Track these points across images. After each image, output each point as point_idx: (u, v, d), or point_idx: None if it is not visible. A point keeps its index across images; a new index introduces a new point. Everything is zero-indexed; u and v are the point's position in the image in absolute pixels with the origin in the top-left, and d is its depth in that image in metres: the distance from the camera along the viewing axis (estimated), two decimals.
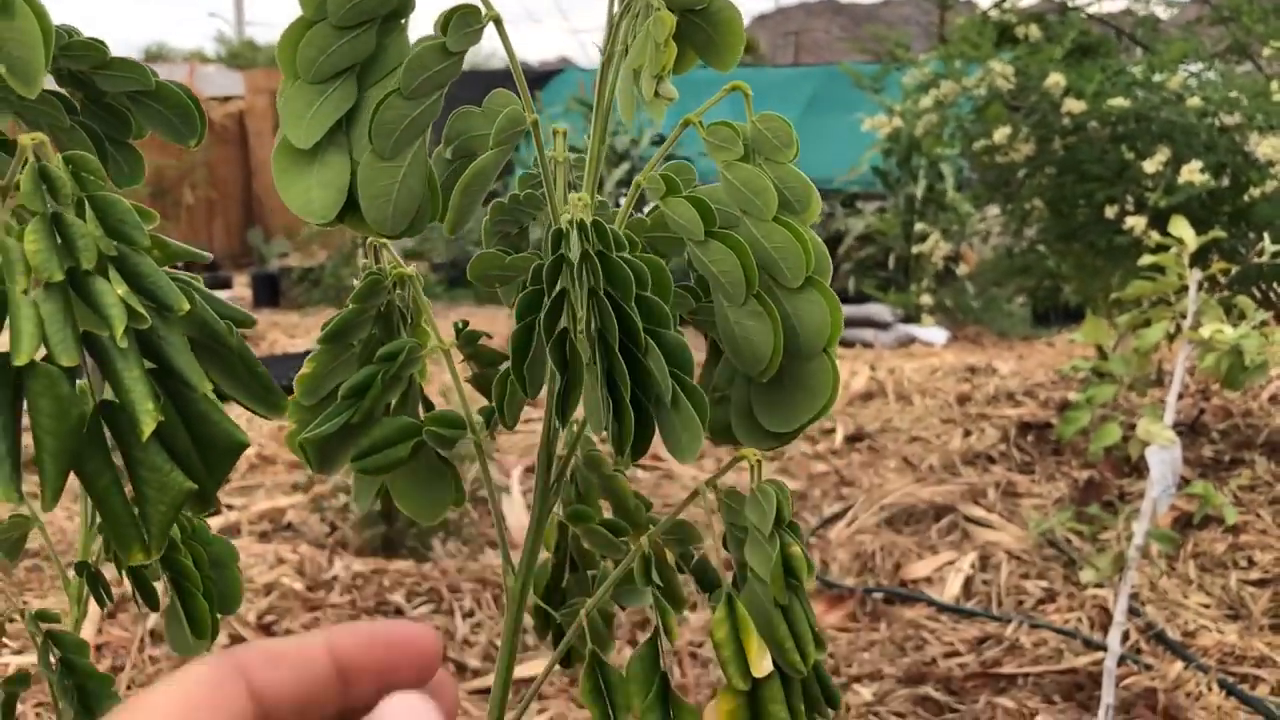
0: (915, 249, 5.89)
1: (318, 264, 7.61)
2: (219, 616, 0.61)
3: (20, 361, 0.37)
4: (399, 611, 2.82)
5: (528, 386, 0.50)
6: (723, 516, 0.47)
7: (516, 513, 3.42)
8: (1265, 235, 2.09)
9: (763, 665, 0.43)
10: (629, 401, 0.45)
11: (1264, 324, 1.98)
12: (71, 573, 0.62)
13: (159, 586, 0.62)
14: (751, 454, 0.45)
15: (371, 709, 0.34)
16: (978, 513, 3.47)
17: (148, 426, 0.39)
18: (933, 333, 6.80)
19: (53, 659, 0.57)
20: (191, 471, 0.42)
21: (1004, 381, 5.22)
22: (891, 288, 7.20)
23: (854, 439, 4.46)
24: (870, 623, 2.94)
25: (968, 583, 3.07)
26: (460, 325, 0.63)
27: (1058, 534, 3.30)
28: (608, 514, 0.59)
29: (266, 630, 2.74)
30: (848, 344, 6.66)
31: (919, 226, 6.05)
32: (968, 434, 4.38)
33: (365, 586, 2.89)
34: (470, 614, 2.85)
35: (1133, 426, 2.15)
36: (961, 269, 6.25)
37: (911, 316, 7.04)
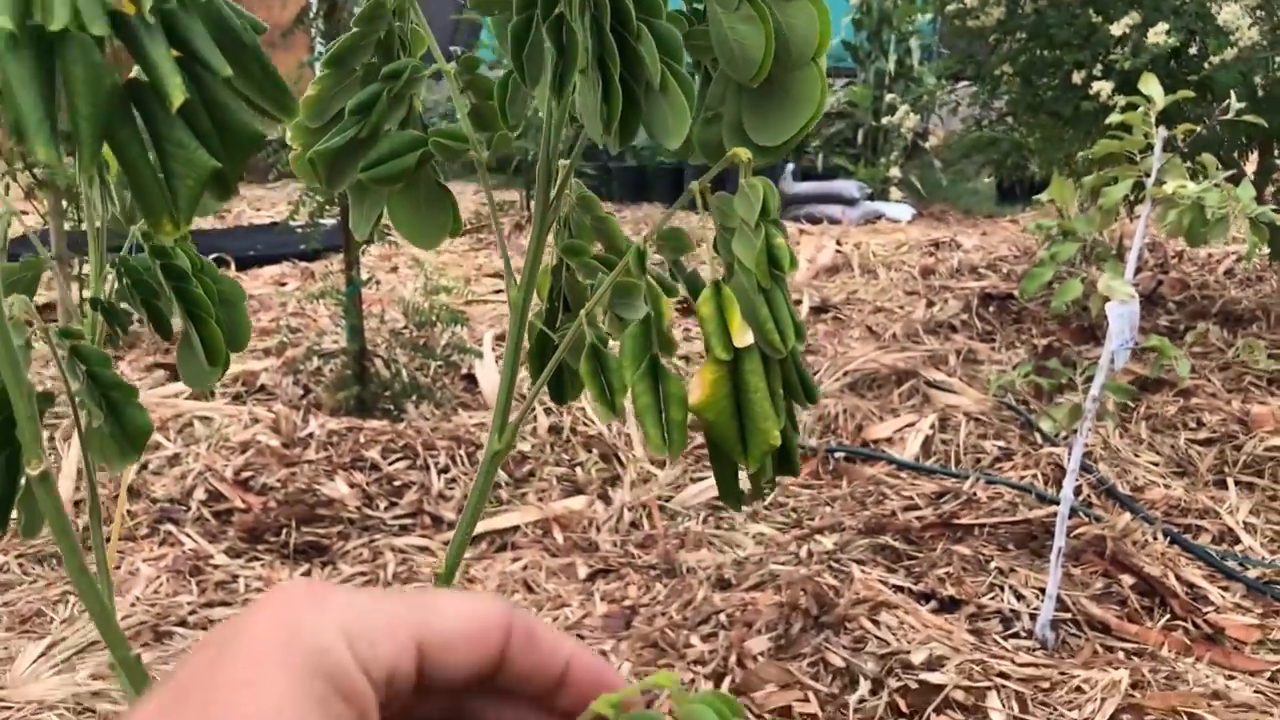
0: (885, 119, 5.88)
1: (280, 135, 7.46)
2: (229, 354, 0.64)
3: (55, 27, 0.38)
4: (374, 467, 2.88)
5: (526, 76, 0.52)
6: (714, 218, 0.50)
7: (489, 377, 3.46)
8: (1232, 95, 2.12)
9: (744, 337, 0.47)
10: (618, 82, 0.47)
11: (1230, 179, 2.02)
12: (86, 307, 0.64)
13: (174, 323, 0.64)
14: (742, 152, 0.48)
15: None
16: (938, 377, 3.55)
17: (176, 99, 0.40)
18: (898, 209, 6.82)
19: (80, 373, 0.59)
20: (214, 153, 0.43)
21: (967, 256, 5.28)
22: (860, 162, 7.20)
23: (819, 310, 4.52)
24: (832, 480, 3.04)
25: (927, 442, 3.17)
26: (459, 52, 0.64)
27: (1016, 395, 3.40)
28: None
29: (244, 485, 2.79)
30: (814, 220, 6.68)
31: (888, 99, 6.04)
32: (930, 304, 4.45)
33: (340, 444, 2.94)
34: (445, 470, 2.91)
35: (1094, 284, 2.21)
36: (930, 142, 6.26)
37: (878, 194, 7.06)
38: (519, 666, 0.38)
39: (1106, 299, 2.14)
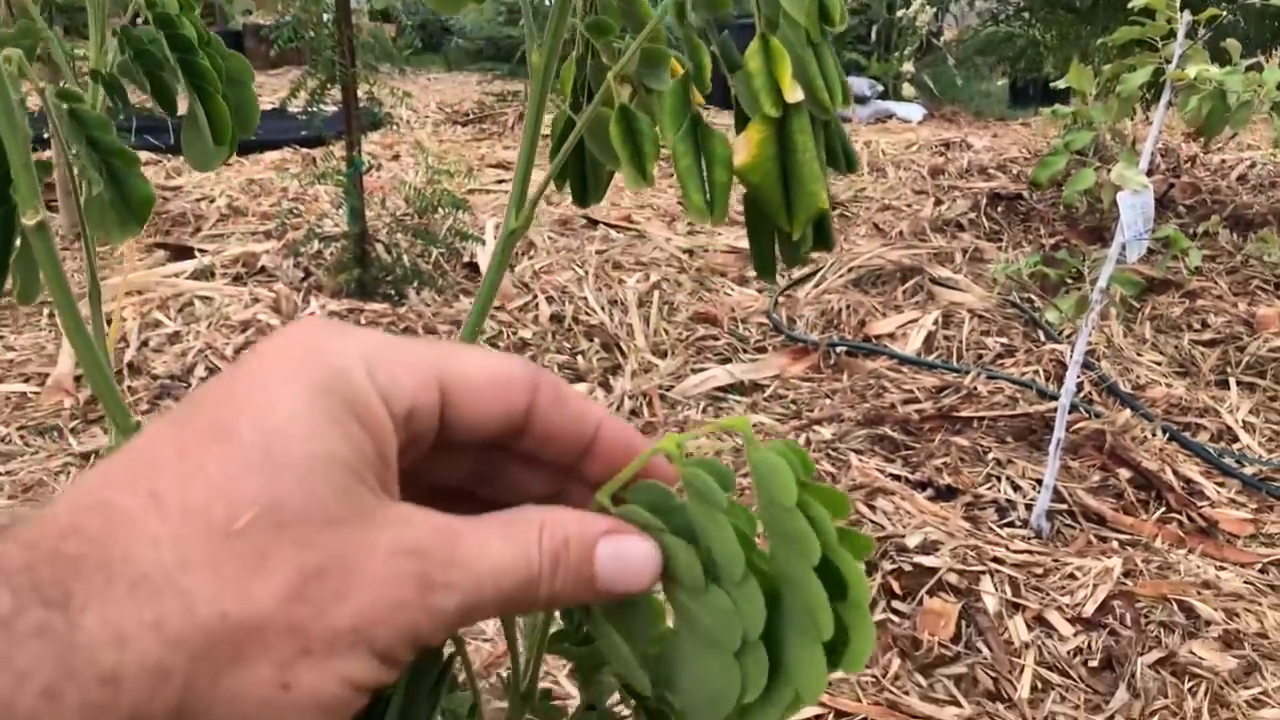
0: (899, 13, 5.74)
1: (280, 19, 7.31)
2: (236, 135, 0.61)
3: None
4: None
5: None
6: None
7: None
8: None
9: (794, 93, 0.45)
10: None
11: (1250, 68, 1.97)
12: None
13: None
14: None
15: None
16: (944, 274, 3.53)
17: None
18: (909, 109, 6.72)
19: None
20: None
21: (977, 156, 5.21)
22: (873, 58, 7.06)
23: None
24: (833, 374, 3.03)
25: (929, 338, 3.16)
26: None
27: (1021, 293, 3.38)
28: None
29: None
30: None
31: None
32: (939, 203, 4.40)
33: None
34: None
35: (1108, 176, 2.17)
36: (945, 38, 6.12)
37: (890, 91, 6.93)
38: (545, 426, 0.36)
39: (1119, 189, 2.10)
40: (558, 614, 0.45)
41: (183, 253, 3.54)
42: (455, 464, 0.38)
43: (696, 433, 0.39)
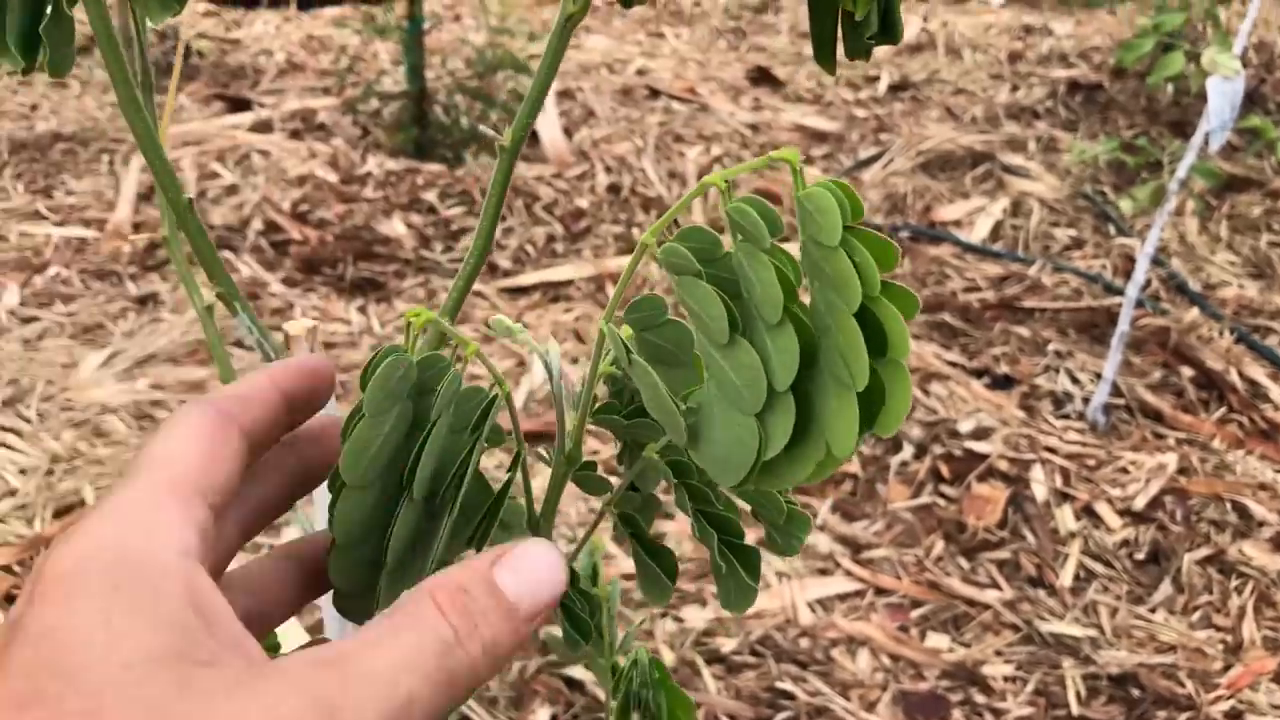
0: None
1: None
2: None
3: None
4: (431, 210, 2.85)
5: None
6: None
7: (551, 131, 3.38)
8: None
9: None
10: None
11: None
12: None
13: None
14: None
15: (298, 426, 0.41)
16: (1015, 161, 3.42)
17: None
18: None
19: None
20: None
21: (1059, 43, 5.01)
22: None
23: (897, 88, 4.34)
24: None
25: (997, 227, 3.08)
26: None
27: (1095, 185, 3.27)
28: None
29: (301, 219, 2.79)
30: None
31: None
32: (1015, 89, 4.25)
33: (398, 184, 2.91)
34: (502, 218, 2.88)
35: (1197, 58, 2.07)
36: None
37: None
38: (259, 427, 0.38)
39: (1208, 75, 2.00)
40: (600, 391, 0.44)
41: (240, 105, 3.52)
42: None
43: (744, 166, 0.37)
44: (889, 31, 0.43)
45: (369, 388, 0.37)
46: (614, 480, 0.47)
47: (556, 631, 0.50)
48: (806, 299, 0.36)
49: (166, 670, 0.28)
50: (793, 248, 0.36)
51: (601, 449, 1.94)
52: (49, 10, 0.44)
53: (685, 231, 0.36)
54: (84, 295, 2.56)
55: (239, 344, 2.37)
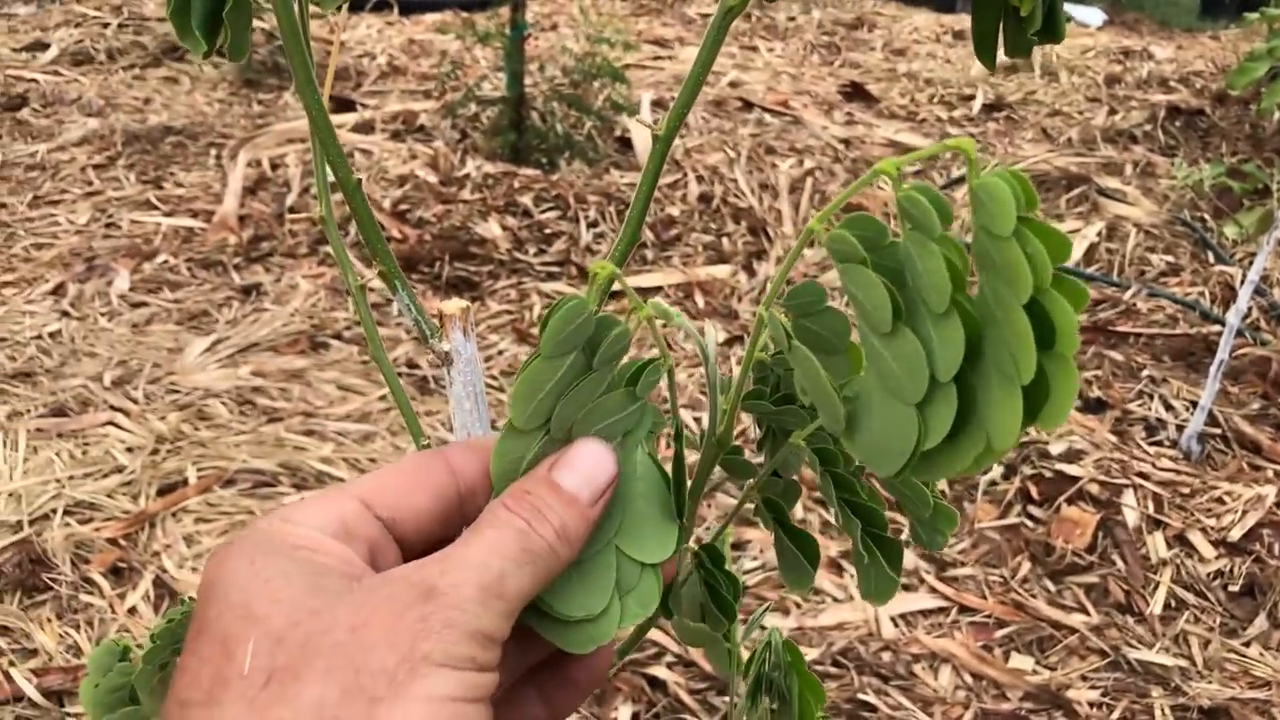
0: None
1: None
2: None
3: None
4: (526, 213, 2.90)
5: None
6: None
7: (645, 139, 3.42)
8: None
9: None
10: None
11: None
12: None
13: None
14: None
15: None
16: (1112, 185, 3.37)
17: None
18: (1090, 13, 6.36)
19: None
20: None
21: (1159, 67, 4.92)
22: None
23: (992, 107, 4.30)
24: None
25: (1091, 250, 3.04)
26: None
27: (1194, 211, 3.21)
28: None
29: (401, 218, 2.85)
30: None
31: None
32: (1113, 113, 4.19)
33: (495, 187, 2.96)
34: (594, 224, 2.92)
35: None
36: None
37: None
38: (477, 475, 0.42)
39: None
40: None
41: (344, 105, 3.61)
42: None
43: (917, 154, 0.38)
44: (1051, 30, 0.44)
45: (547, 330, 0.39)
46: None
47: (685, 620, 0.51)
48: (971, 289, 0.36)
49: (300, 585, 0.36)
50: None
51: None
52: None
53: (852, 219, 0.36)
54: (190, 283, 2.65)
55: (338, 336, 2.43)
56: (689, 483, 0.46)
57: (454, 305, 0.65)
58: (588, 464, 0.40)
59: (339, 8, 0.67)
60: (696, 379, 2.35)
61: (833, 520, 0.48)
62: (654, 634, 1.71)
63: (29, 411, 2.14)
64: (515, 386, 0.40)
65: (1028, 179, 0.35)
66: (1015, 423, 0.35)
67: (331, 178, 0.62)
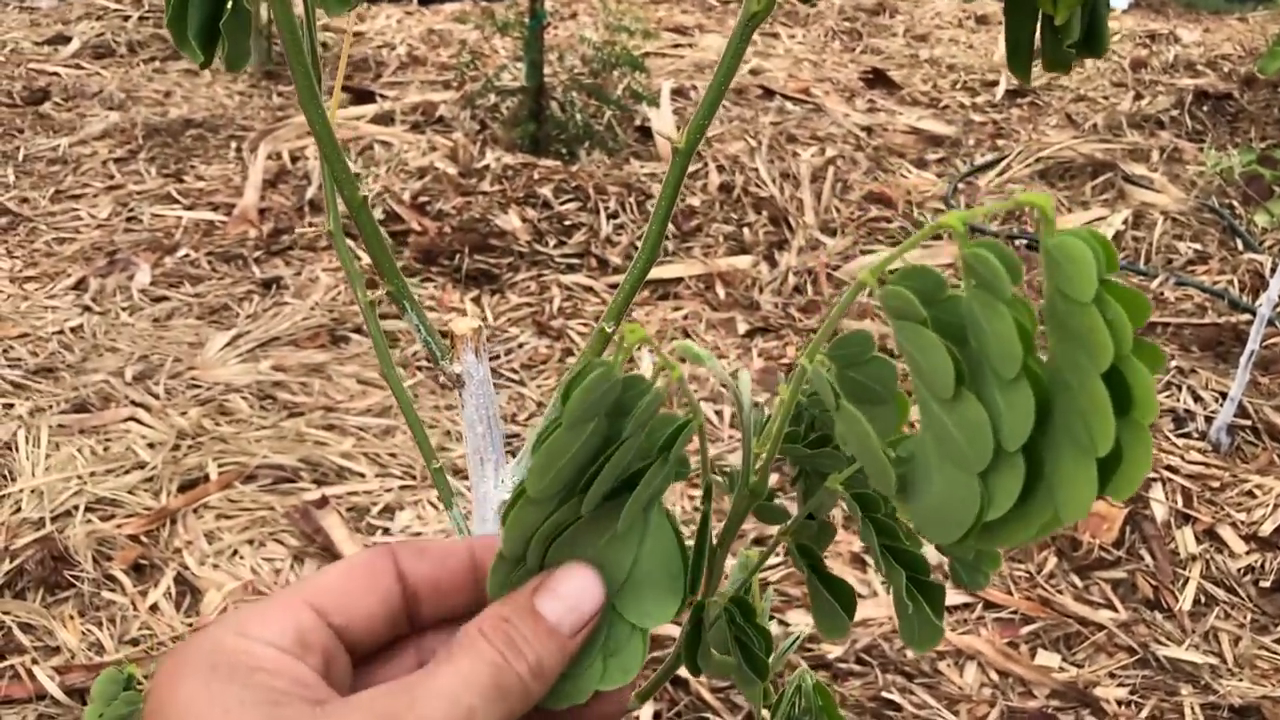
0: None
1: None
2: None
3: None
4: (546, 205, 2.88)
5: None
6: None
7: (665, 127, 3.40)
8: None
9: None
10: None
11: None
12: None
13: None
14: None
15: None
16: (1138, 172, 3.33)
17: None
18: None
19: None
20: None
21: (1186, 51, 4.85)
22: None
23: (1016, 94, 4.25)
24: None
25: (1118, 238, 3.00)
26: None
27: (1222, 199, 3.16)
28: None
29: (420, 210, 2.84)
30: None
31: None
32: (1139, 98, 4.14)
33: (515, 178, 2.95)
34: (614, 215, 2.90)
35: None
36: None
37: None
38: (424, 581, 0.40)
39: None
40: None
41: (364, 97, 3.60)
42: (398, 660, 0.41)
43: (984, 209, 0.36)
44: (1093, 42, 0.42)
45: (573, 398, 0.37)
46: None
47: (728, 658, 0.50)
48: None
49: (258, 715, 0.34)
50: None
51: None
52: (229, 6, 0.46)
53: (907, 271, 0.34)
54: (211, 277, 2.65)
55: (359, 330, 2.43)
56: (717, 532, 0.44)
57: (465, 325, 0.63)
58: (573, 591, 0.39)
59: (351, 7, 0.65)
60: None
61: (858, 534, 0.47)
62: (675, 631, 1.70)
63: (51, 408, 2.15)
64: (536, 458, 0.38)
65: (1108, 239, 0.32)
66: (1088, 495, 0.33)
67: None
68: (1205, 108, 4.01)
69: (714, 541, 0.44)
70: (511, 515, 0.39)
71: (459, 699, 0.35)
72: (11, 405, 2.15)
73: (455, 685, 0.36)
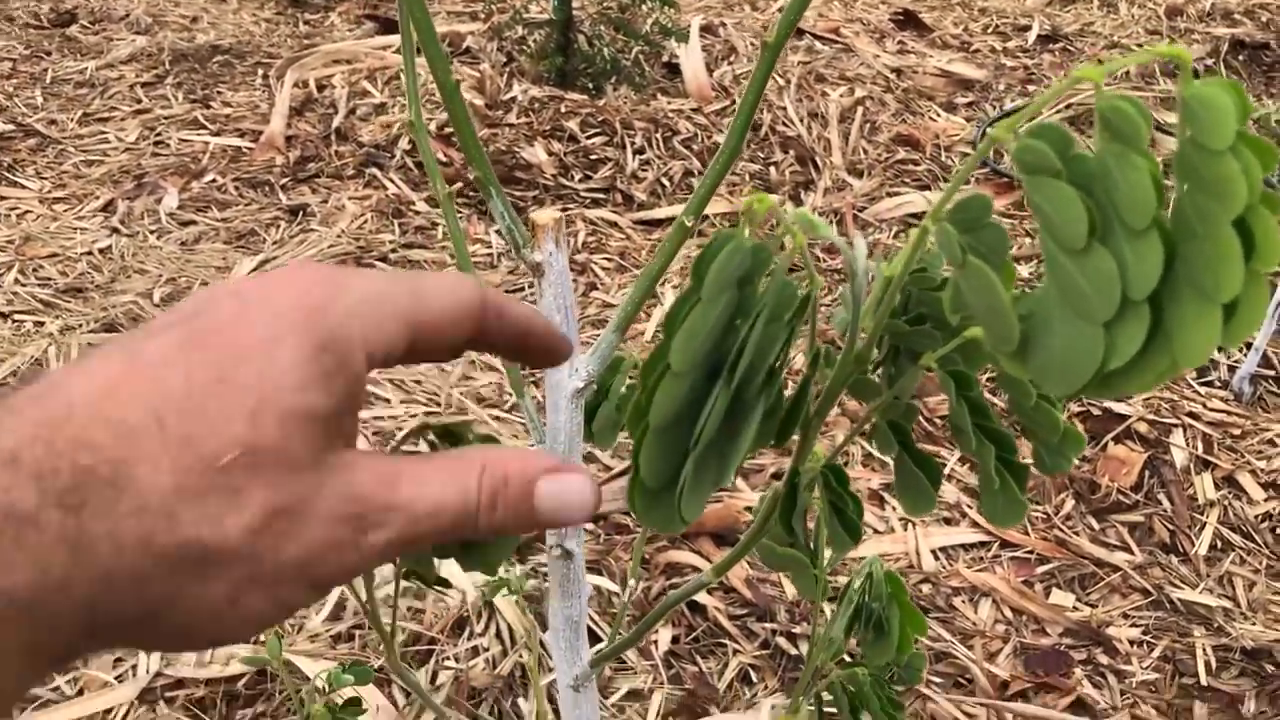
0: None
1: None
2: None
3: None
4: (572, 139, 2.87)
5: None
6: None
7: (694, 65, 3.37)
8: None
9: None
10: None
11: None
12: None
13: None
14: None
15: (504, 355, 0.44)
16: (1171, 120, 3.29)
17: None
18: None
19: None
20: None
21: None
22: None
23: (1048, 39, 4.19)
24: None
25: None
26: None
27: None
28: None
29: (447, 140, 2.84)
30: None
31: None
32: (1172, 45, 4.07)
33: (541, 111, 2.93)
34: (641, 151, 2.89)
35: None
36: None
37: None
38: (490, 337, 0.42)
39: None
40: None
41: (390, 26, 3.58)
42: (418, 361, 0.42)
43: (1122, 61, 0.36)
44: None
45: (710, 272, 0.38)
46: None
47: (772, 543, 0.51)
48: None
49: (314, 426, 0.35)
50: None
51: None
52: None
53: (1037, 128, 0.35)
54: (238, 203, 2.66)
55: (384, 259, 2.43)
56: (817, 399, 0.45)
57: (547, 215, 0.63)
58: (572, 498, 0.40)
59: None
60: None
61: (874, 450, 0.48)
62: (692, 559, 1.73)
63: (81, 326, 2.17)
64: (678, 333, 0.39)
65: (1242, 88, 0.32)
66: (1209, 340, 0.34)
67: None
68: (1241, 57, 3.95)
69: (811, 410, 0.45)
70: (659, 392, 0.40)
71: (418, 522, 0.37)
72: (43, 323, 2.18)
73: (422, 510, 0.37)
